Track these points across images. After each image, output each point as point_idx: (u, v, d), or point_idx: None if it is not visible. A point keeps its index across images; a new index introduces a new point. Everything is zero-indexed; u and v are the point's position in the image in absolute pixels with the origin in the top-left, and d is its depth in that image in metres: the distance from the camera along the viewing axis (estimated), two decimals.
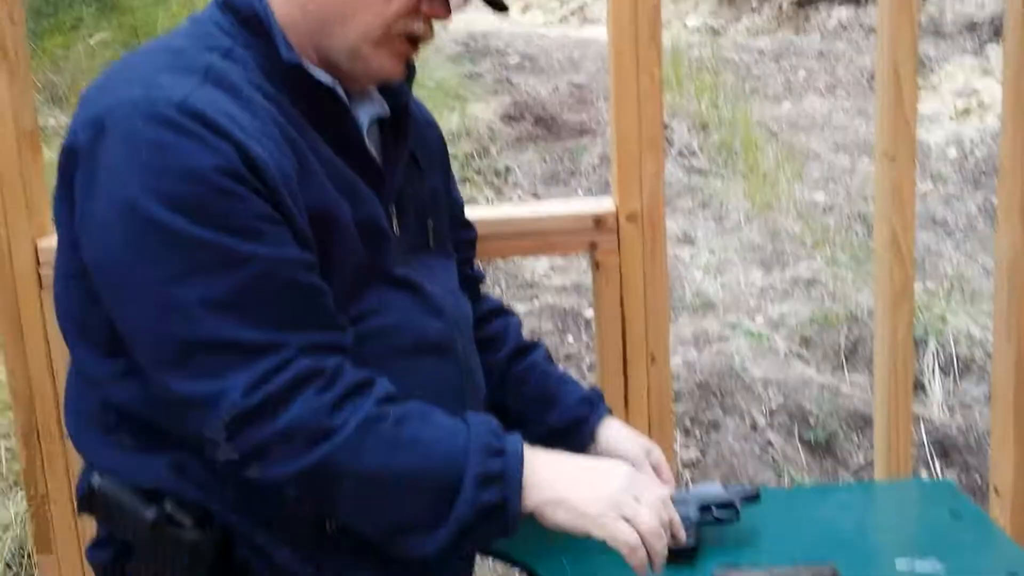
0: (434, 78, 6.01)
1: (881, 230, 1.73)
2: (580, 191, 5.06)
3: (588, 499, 1.06)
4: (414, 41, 1.16)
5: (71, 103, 4.92)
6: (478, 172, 5.07)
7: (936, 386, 3.28)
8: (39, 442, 1.69)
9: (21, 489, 2.77)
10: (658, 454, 1.34)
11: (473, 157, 5.19)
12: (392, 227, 1.18)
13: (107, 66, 1.13)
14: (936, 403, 3.27)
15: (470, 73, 6.63)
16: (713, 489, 1.30)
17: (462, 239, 1.41)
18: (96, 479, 1.08)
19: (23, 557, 2.65)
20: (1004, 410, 1.78)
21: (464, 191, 4.92)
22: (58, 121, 4.60)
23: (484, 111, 5.78)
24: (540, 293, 3.98)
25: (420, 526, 1.02)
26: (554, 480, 1.06)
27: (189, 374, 0.98)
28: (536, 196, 5.01)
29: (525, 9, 11.04)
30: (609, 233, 1.67)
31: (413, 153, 1.27)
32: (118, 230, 0.98)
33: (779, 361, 3.47)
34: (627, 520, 1.05)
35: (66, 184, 1.04)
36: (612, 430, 1.37)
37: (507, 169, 5.20)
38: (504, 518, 1.03)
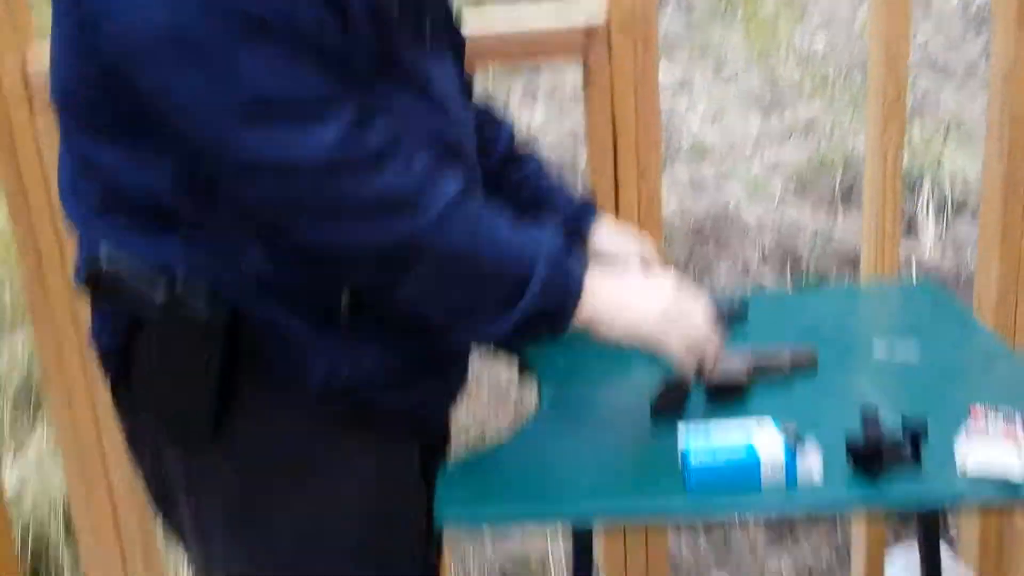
0: None
1: (875, 45, 1.70)
2: None
3: (642, 313, 1.11)
4: None
5: None
6: None
7: (929, 226, 3.30)
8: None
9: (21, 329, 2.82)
10: (647, 247, 1.35)
11: None
12: (404, 24, 1.14)
13: None
14: (928, 243, 3.28)
15: None
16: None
17: (456, 41, 1.39)
18: (103, 255, 1.05)
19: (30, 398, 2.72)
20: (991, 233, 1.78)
21: None
22: None
23: None
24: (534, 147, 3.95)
25: (484, 313, 1.06)
26: (609, 295, 1.11)
27: (263, 134, 0.96)
28: None
29: None
30: (600, 40, 1.65)
31: None
32: (163, 3, 0.93)
33: (773, 205, 3.47)
34: (680, 332, 1.11)
35: None
36: (604, 230, 1.38)
37: None
38: (560, 323, 1.08)
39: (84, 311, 1.26)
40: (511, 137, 1.44)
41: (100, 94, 1.02)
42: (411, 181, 1.01)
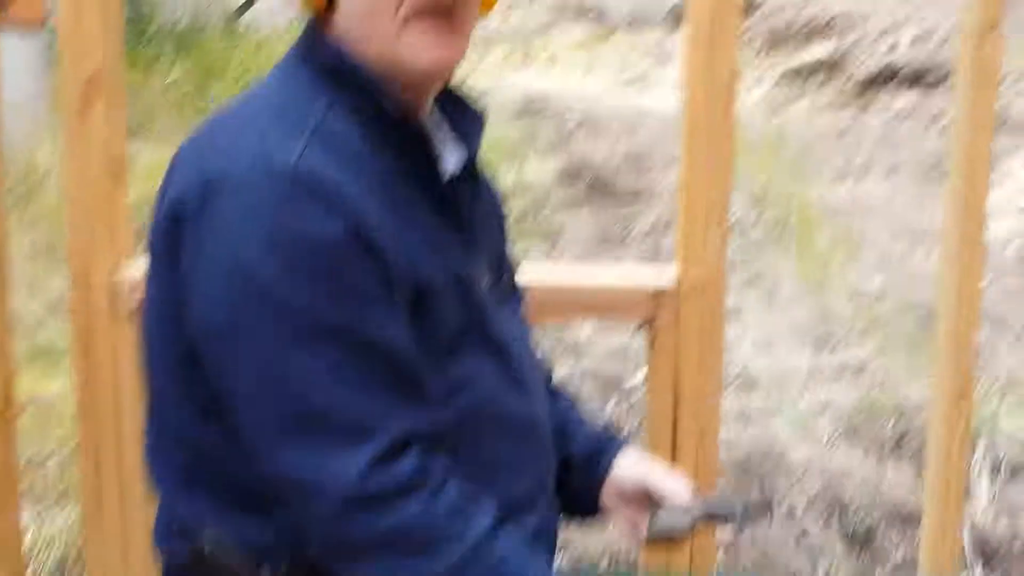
0: (492, 136, 6.09)
1: (945, 327, 1.70)
2: (630, 257, 5.06)
3: None
4: (437, 12, 1.08)
5: (141, 136, 5.04)
6: (531, 231, 5.10)
7: (983, 488, 3.20)
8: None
9: (62, 506, 2.80)
10: (676, 479, 1.29)
11: (526, 215, 5.22)
12: (482, 284, 1.18)
13: (193, 118, 1.14)
14: (982, 505, 3.18)
15: (528, 133, 6.70)
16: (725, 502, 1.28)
17: (519, 295, 1.41)
18: (208, 541, 1.04)
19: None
20: None
21: (516, 249, 4.95)
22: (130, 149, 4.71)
23: (540, 170, 5.83)
24: (582, 357, 3.96)
25: None
26: None
27: (294, 450, 0.97)
28: (586, 259, 5.02)
29: (587, 73, 11.18)
30: (669, 305, 1.67)
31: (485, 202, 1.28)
32: (228, 295, 0.97)
33: (821, 447, 3.40)
34: None
35: (170, 246, 1.02)
36: (630, 457, 1.33)
37: (560, 229, 5.21)
38: None
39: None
40: (548, 378, 1.44)
41: (192, 369, 1.04)
42: (433, 521, 0.99)
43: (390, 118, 1.08)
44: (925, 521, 1.79)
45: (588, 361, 3.91)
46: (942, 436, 1.73)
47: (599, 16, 11.77)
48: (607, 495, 1.30)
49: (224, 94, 5.81)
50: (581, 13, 11.92)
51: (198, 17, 7.83)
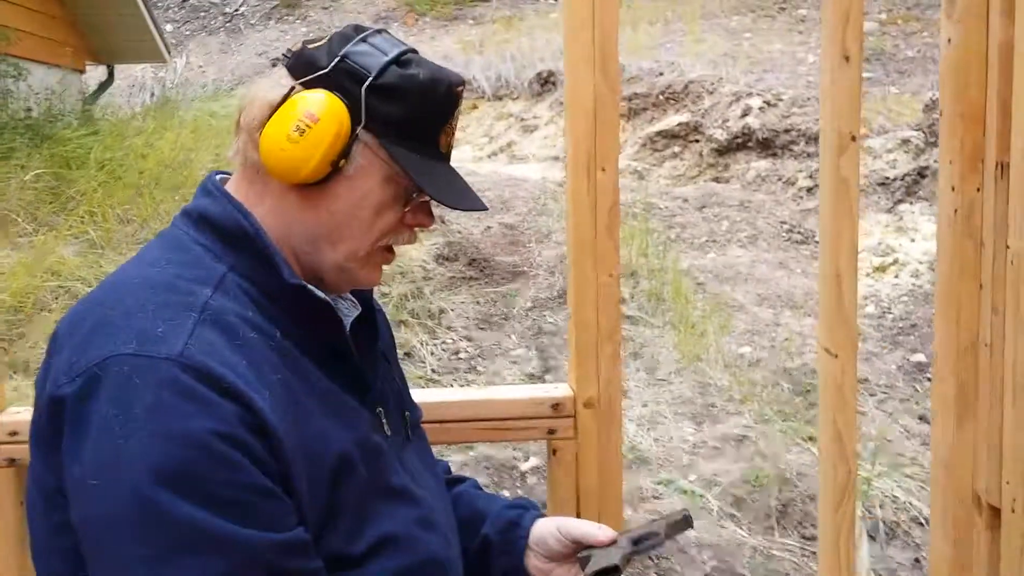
0: None
1: (825, 426, 1.78)
2: (513, 336, 5.11)
3: None
4: (393, 248, 1.19)
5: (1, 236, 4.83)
6: (412, 314, 5.10)
7: (863, 552, 3.33)
8: None
9: None
10: (609, 530, 1.30)
11: (407, 298, 5.22)
12: (384, 432, 1.18)
13: (55, 213, 1.08)
14: (864, 569, 3.31)
15: None
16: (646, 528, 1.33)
17: (416, 417, 1.42)
18: None
19: None
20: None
21: (399, 334, 4.94)
22: None
23: (417, 251, 5.85)
24: (475, 444, 3.96)
25: None
26: None
27: None
28: (470, 339, 5.05)
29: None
30: (566, 419, 1.70)
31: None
32: (103, 500, 0.92)
33: (712, 522, 3.49)
34: None
35: (53, 432, 0.98)
36: (550, 522, 1.34)
37: (441, 311, 5.24)
38: None
39: None
40: (447, 471, 1.47)
41: (76, 562, 0.99)
42: None
43: (290, 287, 1.09)
44: None
45: (480, 447, 3.92)
46: (829, 531, 1.81)
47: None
48: (533, 565, 1.32)
49: (86, 186, 5.63)
50: None
51: (52, 105, 7.60)
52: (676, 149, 9.41)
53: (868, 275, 5.63)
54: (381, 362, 1.27)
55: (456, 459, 3.77)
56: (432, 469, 1.33)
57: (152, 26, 10.09)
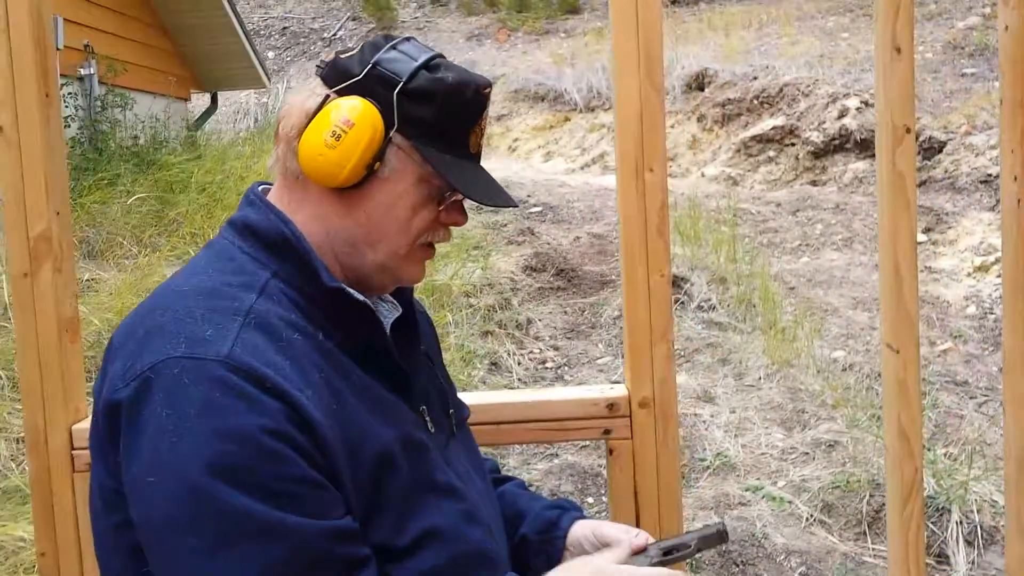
0: (457, 230, 6.18)
1: (889, 423, 1.75)
2: (600, 345, 5.11)
3: None
4: (433, 244, 1.23)
5: (105, 258, 5.09)
6: (500, 324, 5.15)
7: (960, 557, 3.22)
8: None
9: None
10: (644, 536, 1.32)
11: (495, 309, 5.28)
12: (428, 429, 1.21)
13: (157, 237, 1.13)
14: (962, 573, 3.20)
15: (492, 223, 6.79)
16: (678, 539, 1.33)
17: (462, 416, 1.45)
18: None
19: None
20: None
21: (486, 344, 5.00)
22: (92, 275, 4.76)
23: (506, 262, 5.91)
24: (560, 451, 3.98)
25: None
26: None
27: None
28: (556, 348, 5.07)
29: (547, 157, 11.40)
30: (622, 419, 1.71)
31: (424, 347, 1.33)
32: (161, 496, 0.97)
33: (801, 528, 3.42)
34: None
35: (110, 435, 1.04)
36: (586, 525, 1.36)
37: (528, 321, 5.27)
38: None
39: None
40: (495, 469, 1.50)
41: (136, 557, 1.05)
42: None
43: (329, 290, 1.13)
44: None
45: (565, 455, 3.93)
46: (898, 533, 1.77)
47: (555, 100, 12.05)
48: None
49: (188, 208, 5.88)
50: (538, 99, 12.20)
51: (157, 132, 7.94)
52: (771, 153, 9.26)
53: (969, 275, 5.44)
54: (423, 362, 1.31)
55: (540, 467, 3.80)
56: (479, 467, 1.35)
57: (252, 54, 10.48)
